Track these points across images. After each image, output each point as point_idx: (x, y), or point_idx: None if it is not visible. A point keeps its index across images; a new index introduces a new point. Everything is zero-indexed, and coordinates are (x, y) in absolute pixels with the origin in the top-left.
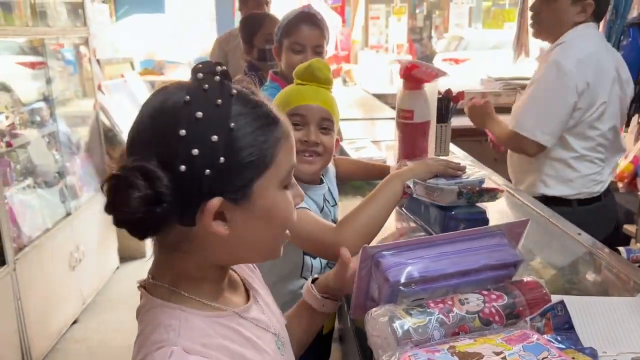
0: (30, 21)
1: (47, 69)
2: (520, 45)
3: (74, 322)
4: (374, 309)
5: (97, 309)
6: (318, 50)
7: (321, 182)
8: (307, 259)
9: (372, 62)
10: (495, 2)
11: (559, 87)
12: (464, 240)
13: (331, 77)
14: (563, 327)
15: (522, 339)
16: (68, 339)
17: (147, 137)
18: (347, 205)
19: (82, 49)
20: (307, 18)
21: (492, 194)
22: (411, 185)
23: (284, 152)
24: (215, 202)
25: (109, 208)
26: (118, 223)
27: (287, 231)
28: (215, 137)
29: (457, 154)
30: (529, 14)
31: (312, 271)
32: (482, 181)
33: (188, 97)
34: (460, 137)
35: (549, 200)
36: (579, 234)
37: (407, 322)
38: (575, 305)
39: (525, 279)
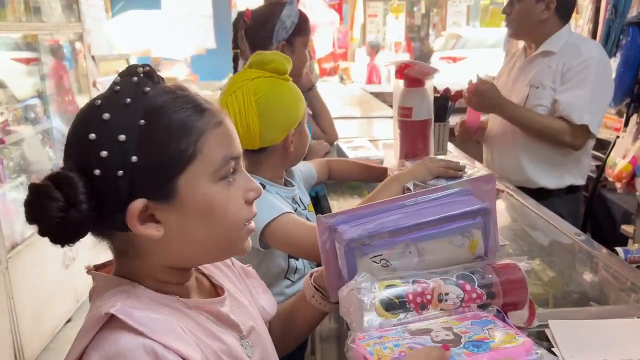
0: (23, 16)
1: (42, 65)
2: (511, 44)
3: (68, 321)
4: (345, 286)
5: None
6: None
7: (290, 184)
8: (292, 261)
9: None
10: (494, 1)
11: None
12: (428, 200)
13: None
14: None
15: (472, 317)
16: (61, 338)
17: (67, 144)
18: (343, 206)
19: (78, 45)
20: (306, 15)
21: None
22: (411, 187)
23: (213, 143)
24: (137, 204)
25: (29, 219)
26: (41, 232)
27: (252, 224)
28: (122, 137)
29: (454, 153)
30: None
31: (296, 272)
32: None
33: (99, 100)
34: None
35: (572, 190)
36: (578, 235)
37: (379, 318)
38: (573, 329)
39: (503, 261)
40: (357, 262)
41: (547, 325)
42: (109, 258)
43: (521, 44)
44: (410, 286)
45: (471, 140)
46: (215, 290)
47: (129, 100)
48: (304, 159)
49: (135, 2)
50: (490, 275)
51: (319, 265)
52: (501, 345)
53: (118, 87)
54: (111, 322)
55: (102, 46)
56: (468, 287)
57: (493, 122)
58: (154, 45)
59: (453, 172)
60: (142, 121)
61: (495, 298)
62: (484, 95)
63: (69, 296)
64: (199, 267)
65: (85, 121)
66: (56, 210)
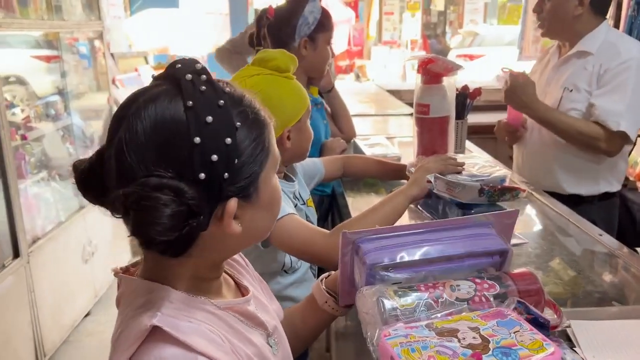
0: (45, 15)
1: (62, 62)
2: (525, 42)
3: (87, 314)
4: (365, 287)
5: (109, 302)
6: None
7: (291, 180)
8: (288, 256)
9: (386, 58)
10: None
11: None
12: (450, 229)
13: (294, 66)
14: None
15: (496, 315)
16: (80, 331)
17: (155, 150)
18: (359, 202)
19: (97, 43)
20: (328, 12)
21: (514, 192)
22: (432, 180)
23: (272, 135)
24: (232, 203)
25: (137, 231)
26: (149, 244)
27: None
28: (228, 140)
29: (473, 152)
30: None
31: (292, 267)
32: (503, 179)
33: (190, 102)
34: (475, 134)
35: (607, 196)
36: (600, 235)
37: (394, 303)
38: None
39: (518, 270)
40: (376, 284)
41: (568, 325)
42: (126, 253)
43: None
44: (421, 285)
45: (514, 141)
46: (239, 289)
47: (222, 101)
48: (319, 156)
49: (154, 0)
50: (507, 283)
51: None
52: (530, 355)
53: (203, 87)
54: (153, 333)
55: (121, 44)
56: (478, 280)
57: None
58: (172, 43)
59: (453, 169)
60: (238, 123)
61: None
62: (520, 90)
63: (88, 290)
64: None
65: (181, 124)
66: (173, 218)
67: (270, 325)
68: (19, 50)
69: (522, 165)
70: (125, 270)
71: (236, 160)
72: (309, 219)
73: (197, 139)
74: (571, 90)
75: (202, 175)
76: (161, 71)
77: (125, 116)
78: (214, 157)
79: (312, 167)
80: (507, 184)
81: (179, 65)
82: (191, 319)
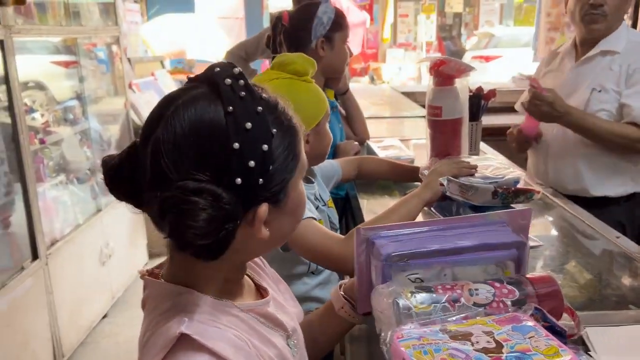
0: (63, 21)
1: (80, 67)
2: (539, 43)
3: (104, 316)
4: (381, 285)
5: (126, 304)
6: None
7: (310, 182)
8: None
9: (401, 61)
10: None
11: None
12: (464, 226)
13: (313, 69)
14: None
15: (512, 320)
16: (97, 333)
17: (193, 153)
18: (373, 205)
19: (114, 48)
20: (341, 11)
21: (527, 194)
22: (445, 183)
23: (302, 142)
24: (265, 208)
25: (175, 234)
26: (185, 247)
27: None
28: (265, 147)
29: (488, 154)
30: (590, 10)
31: (317, 268)
32: (517, 181)
33: (231, 107)
34: (490, 136)
35: (633, 197)
36: (618, 237)
37: (410, 304)
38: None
39: (538, 274)
40: (393, 277)
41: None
42: (143, 256)
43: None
44: (438, 286)
45: (523, 150)
46: (258, 291)
47: (260, 108)
48: (333, 158)
49: (170, 6)
50: (526, 287)
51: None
52: None
53: (242, 93)
54: (181, 340)
55: (137, 49)
56: (497, 284)
57: (546, 129)
58: (188, 47)
59: (467, 171)
60: (274, 130)
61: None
62: (552, 106)
63: (105, 292)
64: None
65: (221, 128)
66: (212, 222)
67: (289, 326)
68: (39, 56)
69: (545, 169)
70: (151, 272)
71: (270, 167)
72: (331, 219)
73: (236, 145)
74: (599, 91)
75: (239, 180)
76: (196, 74)
77: (163, 116)
78: (251, 163)
79: (329, 168)
80: (521, 185)
81: (218, 69)
82: (218, 324)
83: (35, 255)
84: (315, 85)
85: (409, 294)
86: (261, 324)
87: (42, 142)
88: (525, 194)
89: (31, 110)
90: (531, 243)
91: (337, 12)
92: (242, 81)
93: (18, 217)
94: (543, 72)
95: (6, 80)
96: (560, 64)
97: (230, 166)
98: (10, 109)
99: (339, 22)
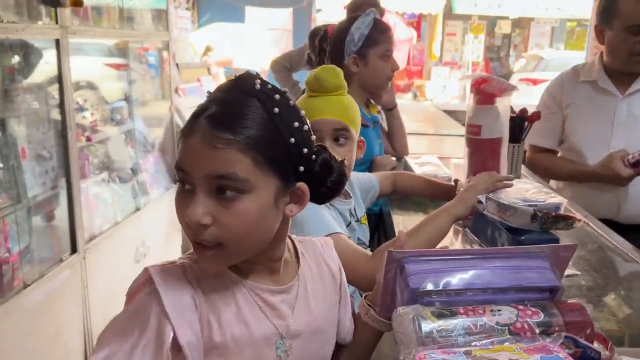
0: (117, 24)
1: (130, 70)
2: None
3: None
4: (402, 307)
5: None
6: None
7: (348, 196)
8: None
9: (445, 79)
10: (580, 22)
11: None
12: (501, 257)
13: (341, 82)
14: None
15: (541, 350)
16: None
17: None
18: (406, 221)
19: (165, 53)
20: (386, 24)
21: (568, 221)
22: (483, 201)
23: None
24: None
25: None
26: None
27: None
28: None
29: (528, 177)
30: None
31: None
32: (558, 207)
33: (291, 101)
34: None
35: None
36: None
37: (431, 324)
38: None
39: (568, 300)
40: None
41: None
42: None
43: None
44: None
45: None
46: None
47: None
48: (369, 171)
49: (221, 15)
50: (553, 311)
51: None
52: None
53: (291, 103)
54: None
55: (186, 55)
56: (521, 306)
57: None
58: (235, 56)
59: (502, 184)
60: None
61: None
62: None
63: None
64: (300, 255)
65: (295, 114)
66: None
67: (288, 329)
68: (92, 58)
69: (616, 200)
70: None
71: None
72: (360, 238)
73: (306, 127)
74: None
75: (306, 151)
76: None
77: None
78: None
79: (367, 182)
80: (561, 212)
81: (263, 82)
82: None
83: (74, 249)
84: (344, 99)
85: (430, 314)
86: (257, 306)
87: (88, 139)
88: (565, 221)
89: (81, 109)
90: (567, 272)
91: (376, 26)
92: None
93: (61, 211)
94: (570, 102)
95: (59, 79)
96: (600, 93)
97: (304, 141)
98: (62, 106)
99: (374, 37)
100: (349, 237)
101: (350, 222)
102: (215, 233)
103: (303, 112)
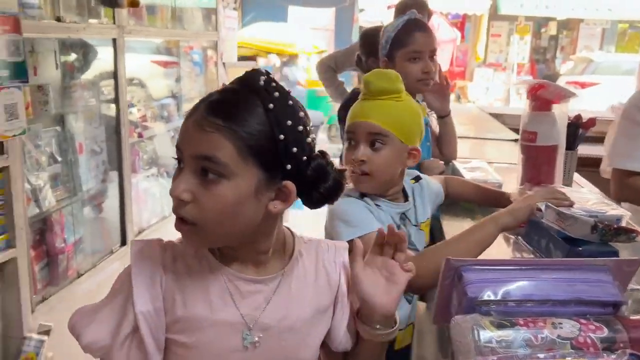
0: (169, 24)
1: (178, 68)
2: None
3: None
4: (460, 316)
5: None
6: (433, 55)
7: (403, 199)
8: None
9: (489, 81)
10: (633, 24)
11: None
12: (563, 269)
13: (389, 86)
14: None
15: None
16: None
17: (298, 127)
18: (453, 227)
19: (209, 52)
20: (417, 24)
21: (630, 235)
22: (542, 208)
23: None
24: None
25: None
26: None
27: None
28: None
29: (582, 185)
30: None
31: None
32: (619, 219)
33: (290, 101)
34: (583, 166)
35: None
36: None
37: (490, 333)
38: None
39: (632, 316)
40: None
41: None
42: None
43: None
44: (519, 318)
45: None
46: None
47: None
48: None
49: (265, 14)
50: (617, 327)
51: None
52: None
53: (291, 102)
54: None
55: (232, 54)
56: (583, 320)
57: None
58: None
59: (560, 203)
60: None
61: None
62: None
63: None
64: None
65: (291, 112)
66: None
67: (257, 320)
68: (141, 55)
69: None
70: None
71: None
72: (413, 242)
73: (300, 128)
74: None
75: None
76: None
77: None
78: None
79: (436, 187)
80: (623, 224)
81: (260, 74)
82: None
83: (123, 241)
84: (394, 103)
85: (489, 323)
86: (227, 291)
87: (140, 135)
88: (627, 234)
89: (130, 105)
90: (630, 286)
91: (405, 28)
92: (274, 83)
93: (111, 203)
94: None
95: (115, 76)
96: None
97: (302, 141)
98: (116, 102)
99: (400, 39)
100: None
101: (399, 226)
102: (191, 211)
103: (303, 114)
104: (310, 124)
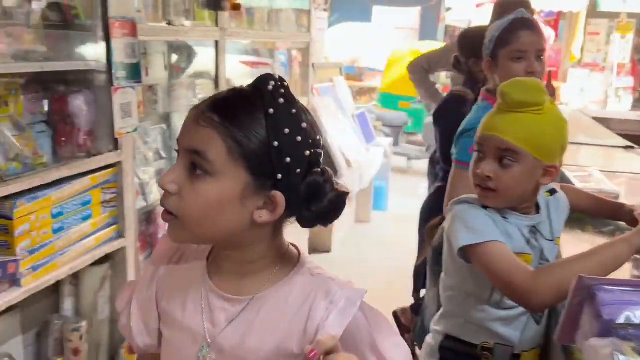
0: (266, 26)
1: (268, 68)
2: None
3: None
4: (596, 339)
5: None
6: (540, 55)
7: (533, 212)
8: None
9: (584, 82)
10: None
11: None
12: None
13: (527, 99)
14: None
15: None
16: None
17: (301, 137)
18: (563, 238)
19: (294, 52)
20: (524, 23)
21: None
22: None
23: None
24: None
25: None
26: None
27: None
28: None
29: None
30: None
31: (502, 302)
32: None
33: (294, 110)
34: None
35: None
36: None
37: None
38: None
39: None
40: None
41: None
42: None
43: None
44: None
45: None
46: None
47: (294, 110)
48: None
49: (349, 14)
50: None
51: None
52: None
53: (293, 111)
54: None
55: (320, 55)
56: None
57: None
58: (361, 56)
59: None
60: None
61: None
62: None
63: None
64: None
65: (291, 122)
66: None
67: (215, 339)
68: (231, 56)
69: None
70: None
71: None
72: (545, 255)
73: (299, 138)
74: None
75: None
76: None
77: None
78: (307, 153)
79: (565, 203)
80: None
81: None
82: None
83: None
84: (533, 117)
85: (631, 350)
86: (204, 298)
87: None
88: None
89: None
90: None
91: (509, 26)
92: (282, 90)
93: None
94: None
95: (216, 77)
96: None
97: (302, 155)
98: None
99: (504, 38)
100: (527, 254)
101: (529, 240)
102: (174, 204)
103: (307, 126)
104: (317, 138)
